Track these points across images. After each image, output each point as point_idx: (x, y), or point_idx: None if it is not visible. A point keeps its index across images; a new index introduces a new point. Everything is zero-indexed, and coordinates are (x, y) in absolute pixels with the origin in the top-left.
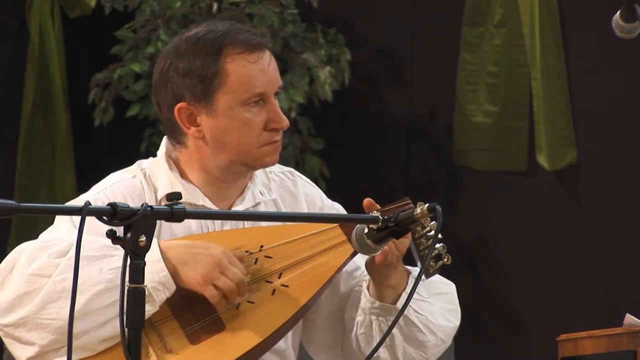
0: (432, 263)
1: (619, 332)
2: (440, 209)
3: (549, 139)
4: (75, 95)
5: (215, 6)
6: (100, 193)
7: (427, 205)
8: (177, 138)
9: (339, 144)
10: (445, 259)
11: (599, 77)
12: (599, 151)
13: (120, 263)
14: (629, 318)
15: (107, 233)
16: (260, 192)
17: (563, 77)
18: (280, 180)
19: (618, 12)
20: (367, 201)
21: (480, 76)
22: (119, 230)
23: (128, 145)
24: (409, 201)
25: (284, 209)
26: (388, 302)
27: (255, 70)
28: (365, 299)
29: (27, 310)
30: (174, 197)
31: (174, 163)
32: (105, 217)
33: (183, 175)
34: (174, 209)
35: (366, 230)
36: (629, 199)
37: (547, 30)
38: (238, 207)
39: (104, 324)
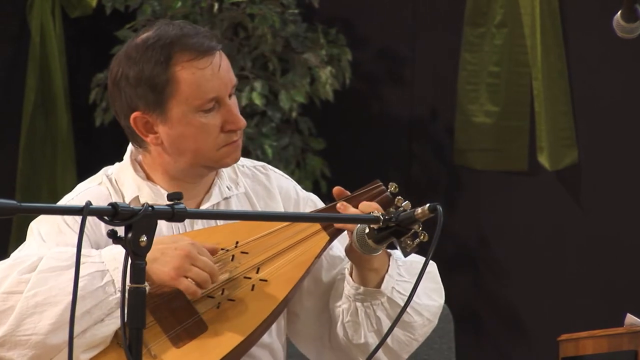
0: (409, 242)
1: (620, 332)
2: (441, 209)
3: (549, 139)
4: (76, 95)
5: (216, 6)
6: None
7: (428, 205)
8: (138, 143)
9: (340, 144)
10: (422, 237)
11: (600, 77)
12: (600, 151)
13: (91, 269)
14: (630, 318)
15: (108, 233)
16: (227, 187)
17: (564, 77)
18: (253, 175)
19: (619, 12)
20: (336, 189)
21: (481, 76)
22: (120, 230)
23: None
24: (380, 183)
25: (257, 202)
26: (372, 287)
27: (206, 75)
28: (349, 286)
29: (4, 330)
30: (175, 197)
31: (139, 165)
32: (106, 217)
33: (148, 177)
34: (175, 209)
35: (367, 230)
36: (629, 199)
37: (548, 31)
38: (205, 204)
39: (82, 333)
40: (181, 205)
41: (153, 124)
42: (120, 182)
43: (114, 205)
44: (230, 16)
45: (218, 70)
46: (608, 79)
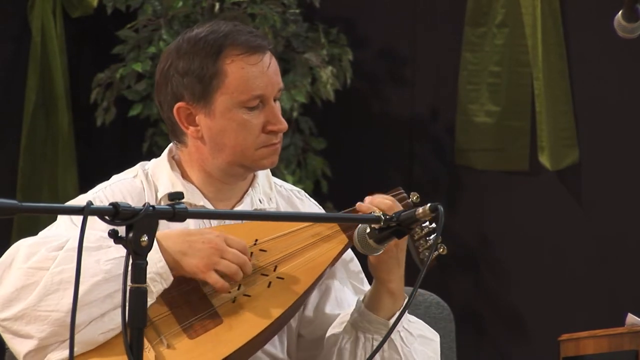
0: (427, 253)
1: (621, 332)
2: (442, 209)
3: (550, 138)
4: (78, 95)
5: (217, 6)
6: (100, 192)
7: (429, 205)
8: (178, 137)
9: (341, 143)
10: (441, 249)
11: (601, 77)
12: (601, 151)
13: (118, 254)
14: (631, 318)
15: (109, 233)
16: (259, 200)
17: (565, 77)
18: (289, 197)
19: (620, 12)
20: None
21: (482, 76)
22: (121, 230)
23: (130, 145)
24: (402, 191)
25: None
26: (382, 316)
27: (255, 72)
28: (358, 313)
29: (25, 303)
30: (176, 196)
31: (177, 163)
32: (107, 217)
33: (184, 175)
34: (175, 209)
35: (368, 230)
36: (630, 198)
37: (549, 30)
38: None
39: (102, 316)
40: (182, 205)
41: (196, 115)
42: (156, 177)
43: (114, 205)
44: (231, 16)
45: (267, 69)
46: (609, 78)
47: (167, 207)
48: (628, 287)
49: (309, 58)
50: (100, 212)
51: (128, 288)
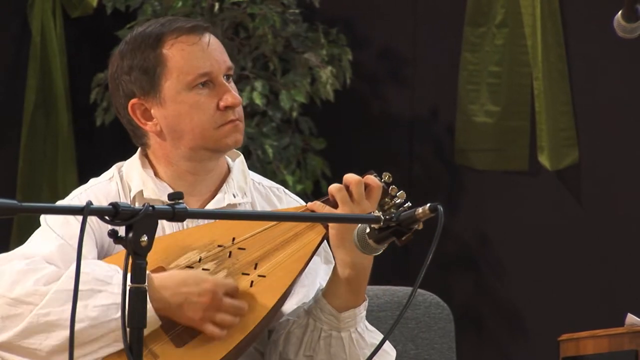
0: (393, 211)
1: (621, 332)
2: (442, 209)
3: (550, 138)
4: (77, 95)
5: (217, 6)
6: (75, 199)
7: (428, 205)
8: (140, 139)
9: (340, 144)
10: (418, 226)
11: (601, 77)
12: (601, 151)
13: (106, 301)
14: (631, 318)
15: (108, 232)
16: (233, 195)
17: (564, 77)
18: (266, 193)
19: (619, 12)
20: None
21: (482, 76)
22: (121, 230)
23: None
24: (374, 173)
25: None
26: (335, 306)
27: (195, 51)
28: (316, 298)
29: (10, 335)
30: (176, 197)
31: (148, 161)
32: (107, 217)
33: (156, 173)
34: (175, 209)
35: (368, 230)
36: (630, 198)
37: (549, 30)
38: (209, 207)
39: (83, 357)
40: (182, 205)
41: (150, 109)
42: (129, 177)
43: (114, 205)
44: (231, 16)
45: (207, 47)
46: (608, 78)
47: (167, 207)
48: (628, 287)
49: (309, 58)
50: (100, 212)
51: (128, 288)
